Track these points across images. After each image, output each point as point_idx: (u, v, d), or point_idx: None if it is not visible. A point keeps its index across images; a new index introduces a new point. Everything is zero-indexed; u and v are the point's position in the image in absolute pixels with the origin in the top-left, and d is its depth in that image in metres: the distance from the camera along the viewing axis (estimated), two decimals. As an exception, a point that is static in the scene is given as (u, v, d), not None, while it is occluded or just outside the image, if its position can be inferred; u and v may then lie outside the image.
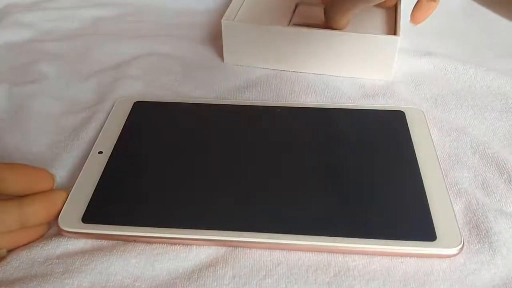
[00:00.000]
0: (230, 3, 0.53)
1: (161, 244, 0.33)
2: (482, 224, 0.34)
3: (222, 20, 0.49)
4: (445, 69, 0.50)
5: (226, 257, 0.32)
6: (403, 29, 0.48)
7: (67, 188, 0.37)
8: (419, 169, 0.37)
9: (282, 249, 0.33)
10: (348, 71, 0.49)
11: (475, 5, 0.63)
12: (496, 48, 0.54)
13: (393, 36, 0.47)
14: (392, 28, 0.51)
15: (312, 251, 0.33)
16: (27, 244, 0.33)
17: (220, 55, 0.53)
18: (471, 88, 0.48)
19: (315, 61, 0.49)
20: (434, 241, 0.32)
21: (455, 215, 0.34)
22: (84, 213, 0.34)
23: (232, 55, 0.52)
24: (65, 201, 0.35)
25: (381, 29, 0.51)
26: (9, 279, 0.31)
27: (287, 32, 0.48)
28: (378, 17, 0.53)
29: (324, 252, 0.33)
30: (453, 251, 0.32)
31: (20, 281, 0.31)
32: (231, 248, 0.33)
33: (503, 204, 0.36)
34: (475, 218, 0.35)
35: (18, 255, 0.33)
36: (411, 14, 0.43)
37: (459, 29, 0.58)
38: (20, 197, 0.33)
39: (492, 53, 0.53)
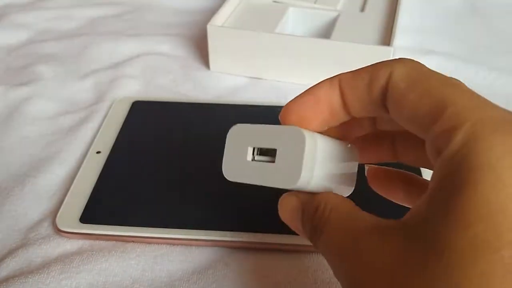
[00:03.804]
0: (221, 6, 0.51)
1: (160, 245, 0.33)
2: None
3: (207, 25, 0.48)
4: (446, 68, 0.49)
5: (226, 258, 0.32)
6: (404, 26, 0.48)
7: (66, 188, 0.37)
8: (419, 168, 0.37)
9: (282, 250, 0.33)
10: None
11: (477, 2, 0.62)
12: (498, 46, 0.54)
13: (386, 47, 0.44)
14: (388, 36, 0.48)
15: (312, 251, 0.32)
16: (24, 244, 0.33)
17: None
18: (472, 87, 0.47)
19: (302, 71, 0.47)
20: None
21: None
22: (82, 213, 0.34)
23: (218, 62, 0.50)
24: None
25: (376, 37, 0.49)
26: (6, 279, 0.31)
27: (274, 39, 0.47)
28: (375, 24, 0.52)
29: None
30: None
31: (16, 281, 0.30)
32: (231, 249, 0.33)
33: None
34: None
35: (15, 255, 0.32)
36: None
37: (460, 27, 0.58)
38: None
39: (494, 51, 0.53)
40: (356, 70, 0.22)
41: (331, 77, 0.23)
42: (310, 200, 0.23)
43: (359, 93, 0.22)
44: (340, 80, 0.23)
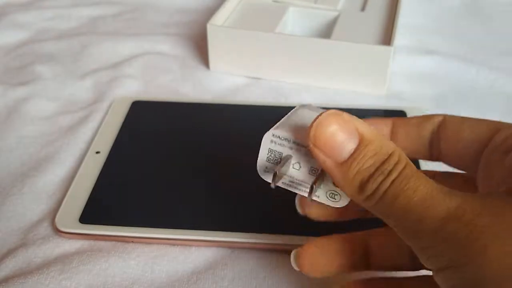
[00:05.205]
0: (221, 6, 0.51)
1: (159, 246, 0.33)
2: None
3: (207, 24, 0.48)
4: (447, 68, 0.49)
5: (226, 259, 0.32)
6: (405, 26, 0.48)
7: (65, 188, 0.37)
8: (420, 168, 0.37)
9: (282, 250, 0.32)
10: (337, 83, 0.47)
11: (478, 1, 0.62)
12: (499, 46, 0.54)
13: (386, 47, 0.44)
14: (389, 36, 0.48)
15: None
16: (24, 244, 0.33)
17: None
18: (473, 87, 0.47)
19: (302, 71, 0.47)
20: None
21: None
22: (82, 213, 0.34)
23: (218, 61, 0.50)
24: None
25: (376, 37, 0.49)
26: (5, 279, 0.31)
27: (274, 38, 0.46)
28: (375, 24, 0.52)
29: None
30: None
31: (16, 281, 0.30)
32: (230, 249, 0.33)
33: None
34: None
35: (15, 255, 0.32)
36: None
37: (461, 26, 0.58)
38: None
39: (495, 52, 0.53)
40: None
41: None
42: (375, 141, 0.21)
43: (410, 129, 0.27)
44: (393, 118, 0.27)
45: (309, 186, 0.24)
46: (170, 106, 0.44)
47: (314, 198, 0.24)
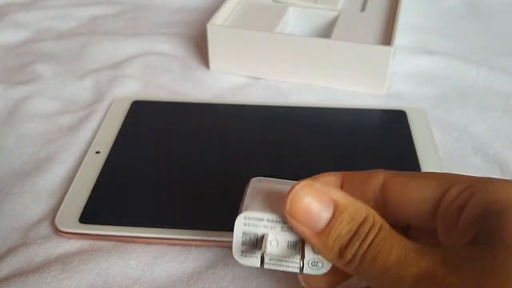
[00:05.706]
0: (221, 6, 0.51)
1: (160, 245, 0.33)
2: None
3: (207, 24, 0.48)
4: (447, 68, 0.49)
5: (226, 259, 0.32)
6: (405, 26, 0.48)
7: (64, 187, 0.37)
8: (420, 169, 0.37)
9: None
10: (337, 83, 0.47)
11: (478, 1, 0.62)
12: (499, 46, 0.54)
13: (386, 47, 0.44)
14: (389, 36, 0.48)
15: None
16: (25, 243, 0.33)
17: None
18: (473, 87, 0.47)
19: (302, 71, 0.47)
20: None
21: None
22: (82, 213, 0.34)
23: (218, 61, 0.50)
24: None
25: (376, 37, 0.48)
26: (6, 277, 0.31)
27: (274, 38, 0.46)
28: (375, 24, 0.52)
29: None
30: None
31: (17, 280, 0.30)
32: (231, 249, 0.33)
33: (506, 205, 0.35)
34: (477, 219, 0.34)
35: (15, 254, 0.32)
36: None
37: (461, 27, 0.58)
38: None
39: (494, 52, 0.53)
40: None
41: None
42: (349, 206, 0.22)
43: (354, 188, 0.25)
44: (344, 173, 0.26)
45: (292, 260, 0.24)
46: (170, 106, 0.44)
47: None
